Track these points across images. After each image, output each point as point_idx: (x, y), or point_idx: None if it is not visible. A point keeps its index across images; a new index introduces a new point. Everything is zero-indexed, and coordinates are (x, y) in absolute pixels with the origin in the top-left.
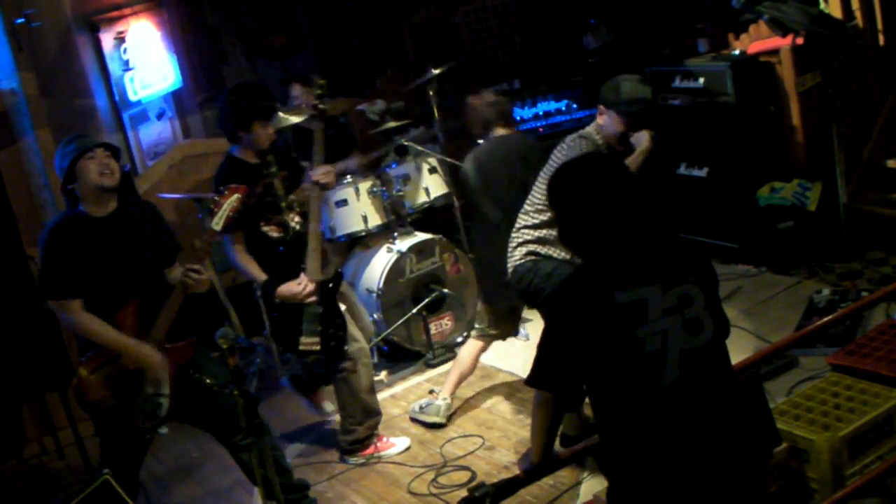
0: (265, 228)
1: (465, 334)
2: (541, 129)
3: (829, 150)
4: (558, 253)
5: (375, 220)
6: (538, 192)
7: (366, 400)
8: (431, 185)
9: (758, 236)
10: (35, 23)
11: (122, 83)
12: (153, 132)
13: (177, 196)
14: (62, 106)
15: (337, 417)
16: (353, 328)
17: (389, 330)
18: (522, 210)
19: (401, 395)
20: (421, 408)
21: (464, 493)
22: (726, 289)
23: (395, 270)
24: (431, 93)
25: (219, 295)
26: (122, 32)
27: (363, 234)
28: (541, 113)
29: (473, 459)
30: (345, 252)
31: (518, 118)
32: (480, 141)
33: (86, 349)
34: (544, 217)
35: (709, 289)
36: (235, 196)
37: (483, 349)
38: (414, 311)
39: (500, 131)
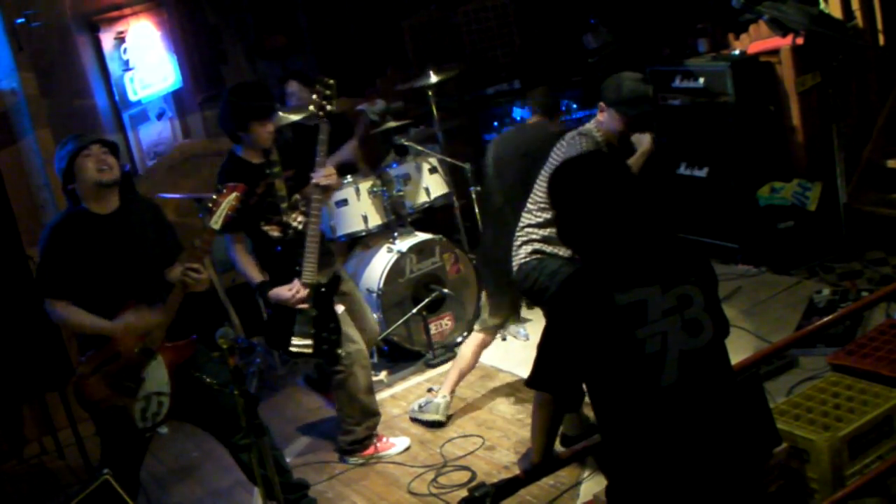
0: (265, 228)
1: (465, 334)
2: None
3: (829, 150)
4: (564, 251)
5: (375, 220)
6: (540, 191)
7: (364, 401)
8: (431, 185)
9: (758, 236)
10: (35, 23)
11: (122, 83)
12: (153, 132)
13: (177, 196)
14: (62, 106)
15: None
16: (350, 329)
17: (389, 330)
18: (525, 209)
19: (401, 395)
20: (420, 407)
21: (464, 493)
22: (726, 289)
23: (396, 270)
24: (431, 93)
25: (219, 295)
26: (122, 32)
27: (363, 233)
28: None
29: (473, 459)
30: (345, 252)
31: (518, 118)
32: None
33: (85, 349)
34: (547, 215)
35: (708, 289)
36: (234, 195)
37: (484, 343)
38: (414, 311)
39: (532, 119)
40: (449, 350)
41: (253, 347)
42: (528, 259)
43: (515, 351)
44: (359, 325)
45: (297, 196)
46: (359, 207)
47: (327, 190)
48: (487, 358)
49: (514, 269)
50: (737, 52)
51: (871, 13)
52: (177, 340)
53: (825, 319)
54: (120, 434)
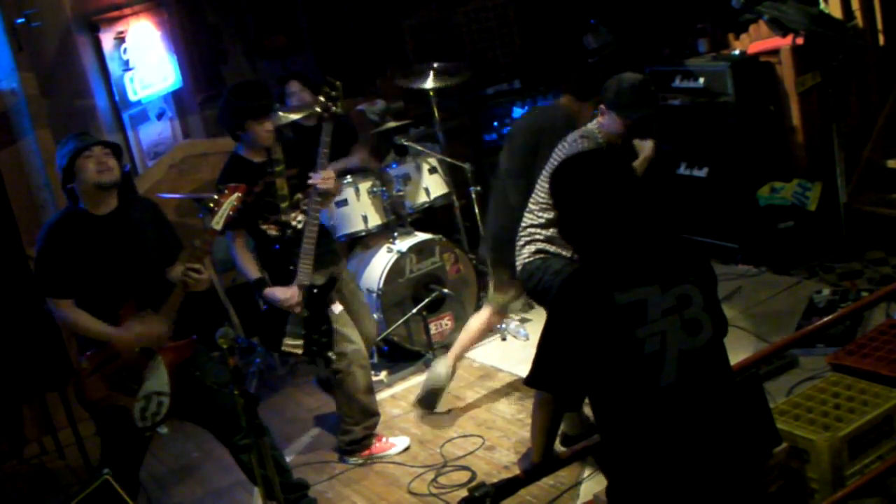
0: (263, 227)
1: None
2: None
3: (829, 150)
4: (568, 251)
5: (375, 220)
6: (542, 191)
7: (362, 401)
8: (431, 185)
9: (758, 236)
10: (35, 23)
11: (122, 83)
12: (153, 132)
13: (177, 196)
14: (62, 106)
15: None
16: (349, 330)
17: (389, 330)
18: (528, 209)
19: (401, 395)
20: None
21: (464, 493)
22: (726, 289)
23: (395, 270)
24: (431, 93)
25: (219, 295)
26: (122, 32)
27: (363, 234)
28: None
29: (473, 459)
30: (345, 252)
31: (518, 118)
32: None
33: (85, 348)
34: (550, 215)
35: (708, 289)
36: (235, 195)
37: (491, 320)
38: (414, 311)
39: (561, 99)
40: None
41: (253, 347)
42: (531, 259)
43: (515, 351)
44: (357, 325)
45: (298, 195)
46: (359, 207)
47: (325, 194)
48: (487, 358)
49: (518, 268)
50: (737, 52)
51: (871, 13)
52: (177, 340)
53: (825, 319)
54: (120, 433)
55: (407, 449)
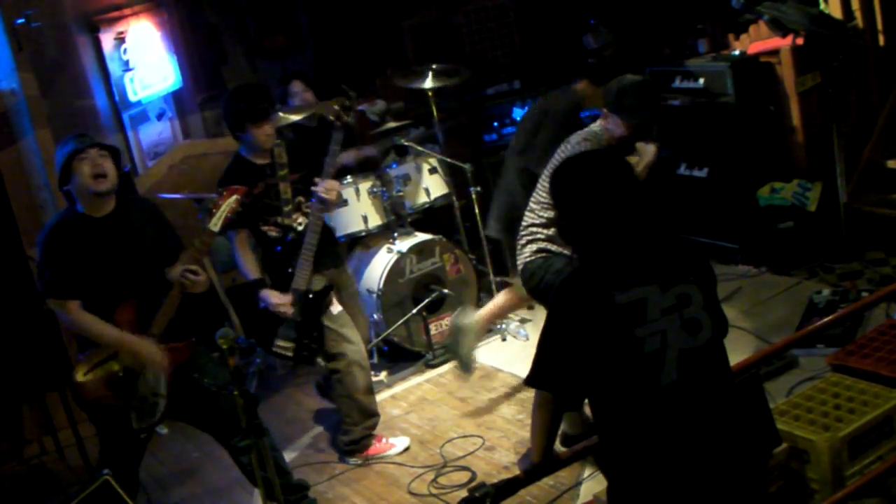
0: (263, 228)
1: None
2: None
3: (829, 150)
4: (570, 250)
5: (375, 221)
6: (544, 191)
7: (362, 401)
8: (431, 186)
9: (758, 236)
10: (35, 23)
11: (122, 83)
12: (153, 132)
13: (177, 196)
14: (62, 106)
15: None
16: (348, 330)
17: (389, 330)
18: (529, 207)
19: (401, 395)
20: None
21: (464, 493)
22: (726, 289)
23: (396, 271)
24: (431, 93)
25: (219, 295)
26: (122, 33)
27: (363, 234)
28: None
29: (473, 460)
30: (345, 252)
31: (518, 118)
32: None
33: (85, 348)
34: (551, 214)
35: (707, 288)
36: (234, 197)
37: (512, 301)
38: (414, 311)
39: (576, 84)
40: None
41: (253, 348)
42: (533, 258)
43: (515, 351)
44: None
45: (300, 198)
46: (359, 208)
47: (325, 203)
48: (487, 358)
49: (520, 267)
50: (737, 52)
51: (871, 13)
52: (175, 342)
53: (825, 320)
54: (117, 434)
55: (407, 449)
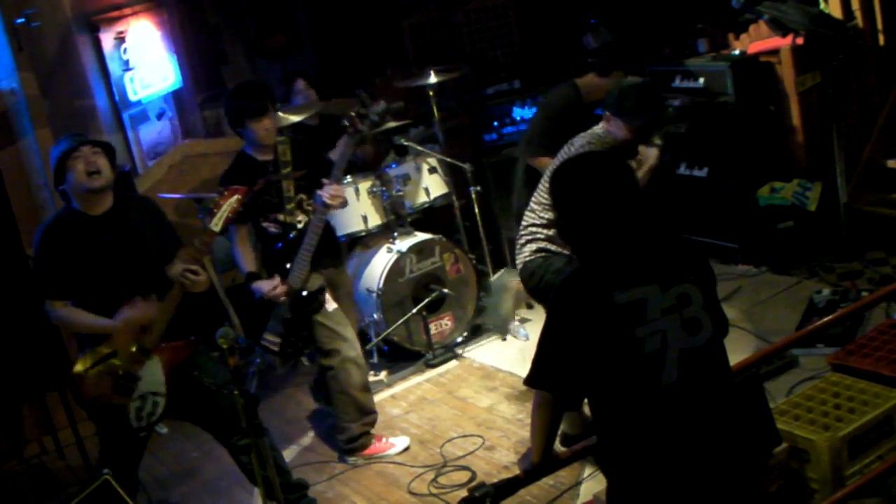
0: (264, 224)
1: (464, 334)
2: None
3: (829, 150)
4: (569, 250)
5: (375, 220)
6: (544, 190)
7: (358, 397)
8: (431, 185)
9: (758, 236)
10: (35, 23)
11: (122, 83)
12: (153, 132)
13: (177, 196)
14: (62, 106)
15: None
16: (342, 328)
17: (389, 330)
18: (528, 207)
19: (401, 395)
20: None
21: (464, 493)
22: (726, 289)
23: (395, 270)
24: (431, 93)
25: (219, 295)
26: (122, 32)
27: (363, 234)
28: None
29: (473, 459)
30: (345, 252)
31: (518, 118)
32: None
33: (84, 347)
34: (551, 215)
35: (707, 288)
36: (235, 197)
37: None
38: (414, 311)
39: (582, 78)
40: (449, 350)
41: (253, 347)
42: (532, 257)
43: (515, 351)
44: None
45: (302, 196)
46: (358, 207)
47: (328, 207)
48: (487, 358)
49: (519, 266)
50: (737, 52)
51: (871, 13)
52: (175, 341)
53: (825, 319)
54: (117, 433)
55: (407, 449)
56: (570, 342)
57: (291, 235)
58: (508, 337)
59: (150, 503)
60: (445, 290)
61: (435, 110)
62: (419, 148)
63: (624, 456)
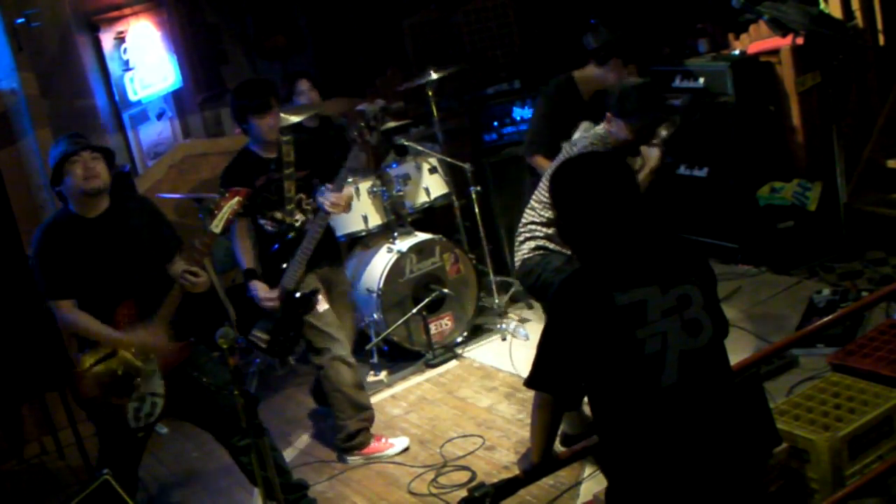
0: (261, 221)
1: (464, 334)
2: None
3: (829, 150)
4: (568, 249)
5: (375, 220)
6: (544, 189)
7: (350, 394)
8: (431, 185)
9: (758, 236)
10: (35, 23)
11: (122, 83)
12: (153, 132)
13: (177, 196)
14: (62, 106)
15: None
16: (332, 328)
17: (389, 330)
18: (528, 205)
19: (401, 395)
20: None
21: (464, 493)
22: (726, 289)
23: (396, 270)
24: (431, 93)
25: (219, 295)
26: (122, 32)
27: (363, 234)
28: None
29: (473, 459)
30: (345, 252)
31: (518, 118)
32: None
33: (85, 347)
34: (550, 213)
35: (708, 289)
36: (236, 199)
37: None
38: (414, 311)
39: (582, 69)
40: (449, 350)
41: (251, 348)
42: (531, 255)
43: (515, 351)
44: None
45: (301, 195)
46: (359, 207)
47: (329, 214)
48: (487, 358)
49: (517, 264)
50: (737, 52)
51: (871, 13)
52: (175, 342)
53: (825, 319)
54: (115, 432)
55: (406, 449)
56: (571, 344)
57: (290, 236)
58: (508, 337)
59: (150, 503)
60: (445, 290)
61: (435, 110)
62: (419, 148)
63: (624, 456)
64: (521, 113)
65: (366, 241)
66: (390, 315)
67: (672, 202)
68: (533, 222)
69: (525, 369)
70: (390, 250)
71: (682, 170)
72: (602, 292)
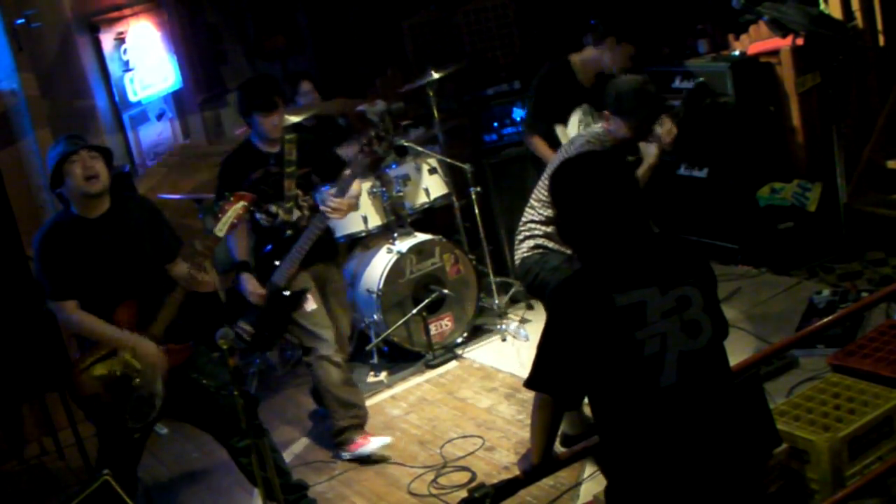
0: (257, 215)
1: (465, 335)
2: None
3: (829, 150)
4: (567, 248)
5: (375, 221)
6: (543, 188)
7: (337, 393)
8: (431, 186)
9: (758, 237)
10: (35, 23)
11: (122, 84)
12: (153, 133)
13: (177, 196)
14: (62, 106)
15: None
16: (319, 328)
17: (390, 330)
18: (529, 204)
19: (401, 395)
20: None
21: (464, 493)
22: (726, 289)
23: (396, 271)
24: (431, 93)
25: (219, 295)
26: (122, 33)
27: (363, 234)
28: None
29: (473, 460)
30: (345, 253)
31: (518, 119)
32: None
33: (83, 345)
34: (549, 212)
35: (707, 290)
36: (241, 203)
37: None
38: (414, 311)
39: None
40: (449, 351)
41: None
42: (530, 254)
43: (515, 351)
44: (333, 324)
45: (298, 191)
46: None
47: (328, 218)
48: (487, 358)
49: (517, 262)
50: (737, 52)
51: (871, 14)
52: (175, 343)
53: (825, 320)
54: (114, 432)
55: (386, 446)
56: (570, 344)
57: (287, 233)
58: (508, 337)
59: (150, 503)
60: (445, 291)
61: (435, 111)
62: (419, 148)
63: (624, 457)
64: (521, 113)
65: (366, 242)
66: (390, 316)
67: (672, 202)
68: (532, 221)
69: (525, 370)
70: (390, 251)
71: (682, 170)
72: (601, 293)
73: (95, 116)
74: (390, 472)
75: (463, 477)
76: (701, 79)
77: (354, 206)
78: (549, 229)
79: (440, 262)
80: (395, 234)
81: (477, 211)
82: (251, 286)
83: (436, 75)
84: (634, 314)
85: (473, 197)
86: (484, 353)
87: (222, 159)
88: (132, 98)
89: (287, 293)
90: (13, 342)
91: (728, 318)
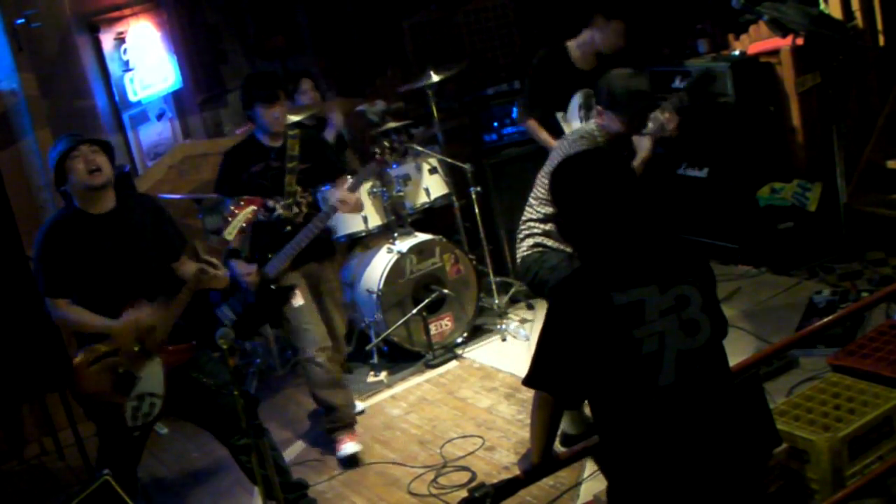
0: None
1: (464, 335)
2: None
3: (829, 150)
4: (566, 246)
5: (375, 221)
6: (542, 186)
7: (320, 396)
8: (431, 186)
9: (758, 237)
10: (35, 23)
11: (122, 84)
12: (153, 133)
13: (177, 196)
14: (62, 106)
15: None
16: (306, 326)
17: (389, 330)
18: (528, 203)
19: (401, 395)
20: None
21: (464, 493)
22: (726, 289)
23: (396, 271)
24: (431, 93)
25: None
26: (122, 33)
27: (363, 234)
28: None
29: (473, 460)
30: (345, 253)
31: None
32: None
33: (84, 344)
34: (548, 210)
35: (706, 289)
36: (250, 208)
37: None
38: (414, 311)
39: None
40: (449, 351)
41: (254, 348)
42: (529, 252)
43: (515, 351)
44: (326, 324)
45: (297, 188)
46: None
47: (335, 211)
48: (487, 358)
49: (518, 261)
50: (737, 52)
51: (871, 14)
52: (177, 343)
53: (825, 320)
54: (114, 431)
55: (351, 455)
56: (569, 343)
57: (287, 229)
58: (508, 337)
59: (150, 503)
60: (445, 291)
61: (435, 111)
62: (419, 148)
63: (624, 456)
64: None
65: (366, 242)
66: (390, 315)
67: (672, 202)
68: (531, 219)
69: (525, 370)
70: (390, 251)
71: (682, 170)
72: (600, 292)
73: (95, 116)
74: (390, 471)
75: (463, 477)
76: (705, 66)
77: (360, 206)
78: (548, 227)
79: (440, 262)
80: (396, 234)
81: (477, 211)
82: (242, 268)
83: (435, 77)
84: (633, 312)
85: (473, 197)
86: (484, 352)
87: (225, 150)
88: (132, 98)
89: (275, 287)
90: (13, 342)
91: (728, 318)
